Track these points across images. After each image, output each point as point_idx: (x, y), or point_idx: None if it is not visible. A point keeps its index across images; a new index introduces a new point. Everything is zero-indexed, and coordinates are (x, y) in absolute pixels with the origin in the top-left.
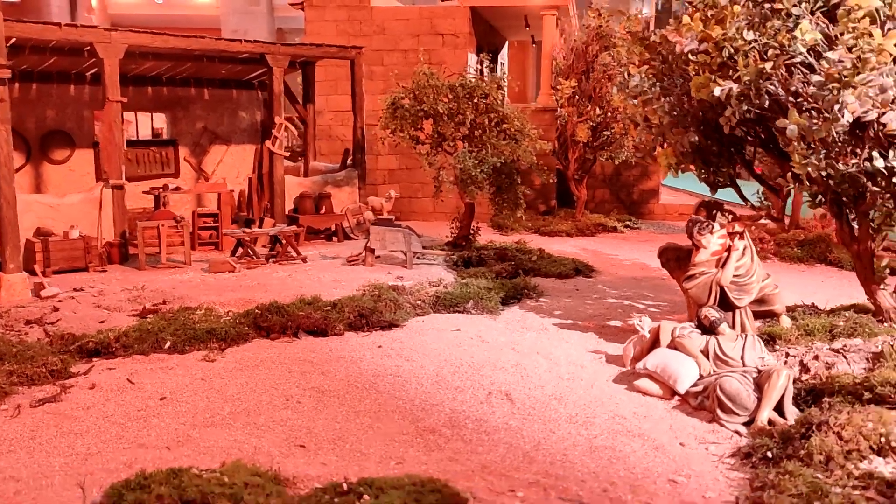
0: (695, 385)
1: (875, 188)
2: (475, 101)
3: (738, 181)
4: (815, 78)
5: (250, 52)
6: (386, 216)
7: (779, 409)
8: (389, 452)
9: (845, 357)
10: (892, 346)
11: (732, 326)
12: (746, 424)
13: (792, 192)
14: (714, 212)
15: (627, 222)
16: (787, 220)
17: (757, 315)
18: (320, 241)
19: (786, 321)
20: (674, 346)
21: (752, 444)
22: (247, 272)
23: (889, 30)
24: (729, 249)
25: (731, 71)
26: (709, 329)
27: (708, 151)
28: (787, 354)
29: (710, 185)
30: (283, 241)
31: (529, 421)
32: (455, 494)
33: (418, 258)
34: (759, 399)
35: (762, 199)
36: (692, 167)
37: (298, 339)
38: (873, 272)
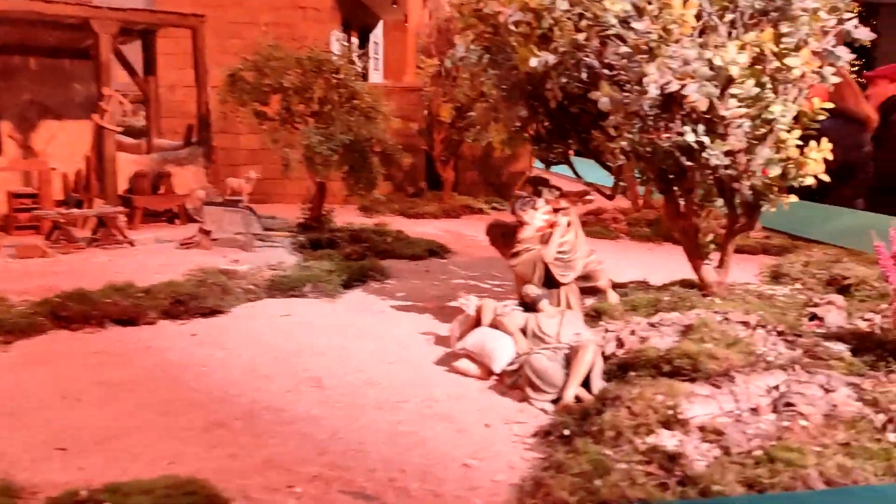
0: (511, 364)
1: (690, 163)
2: (326, 75)
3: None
4: (623, 49)
5: (73, 17)
6: (244, 197)
7: (588, 385)
8: (166, 451)
9: (659, 331)
10: (702, 318)
11: (558, 303)
12: (556, 402)
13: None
14: (540, 188)
15: (495, 204)
16: (640, 200)
17: (584, 291)
18: (162, 223)
19: (613, 297)
20: (495, 324)
21: (552, 423)
22: (61, 257)
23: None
24: (553, 226)
25: (551, 42)
26: (530, 306)
27: (539, 127)
28: (607, 330)
29: (544, 161)
30: (107, 223)
31: (335, 408)
32: (213, 496)
33: (263, 241)
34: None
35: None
36: (530, 144)
37: (104, 329)
38: (698, 247)
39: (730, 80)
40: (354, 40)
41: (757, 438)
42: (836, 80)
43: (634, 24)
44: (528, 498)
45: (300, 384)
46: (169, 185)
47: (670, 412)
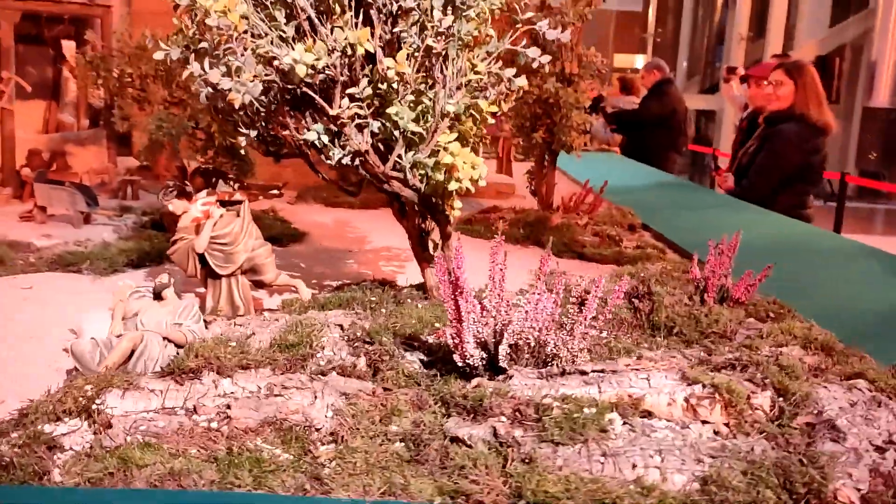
0: None
1: (329, 162)
2: None
3: None
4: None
5: None
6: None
7: None
8: None
9: (272, 328)
10: (299, 319)
11: (218, 295)
12: None
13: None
14: (215, 179)
15: None
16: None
17: (257, 284)
18: None
19: (305, 293)
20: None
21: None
22: None
23: None
24: (209, 216)
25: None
26: (158, 294)
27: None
28: (235, 324)
29: (269, 156)
30: None
31: None
32: None
33: (109, 218)
34: None
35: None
36: None
37: None
38: (423, 249)
39: (339, 81)
40: None
41: (137, 435)
42: (523, 83)
43: (208, 21)
44: None
45: None
46: (63, 163)
47: (85, 402)
